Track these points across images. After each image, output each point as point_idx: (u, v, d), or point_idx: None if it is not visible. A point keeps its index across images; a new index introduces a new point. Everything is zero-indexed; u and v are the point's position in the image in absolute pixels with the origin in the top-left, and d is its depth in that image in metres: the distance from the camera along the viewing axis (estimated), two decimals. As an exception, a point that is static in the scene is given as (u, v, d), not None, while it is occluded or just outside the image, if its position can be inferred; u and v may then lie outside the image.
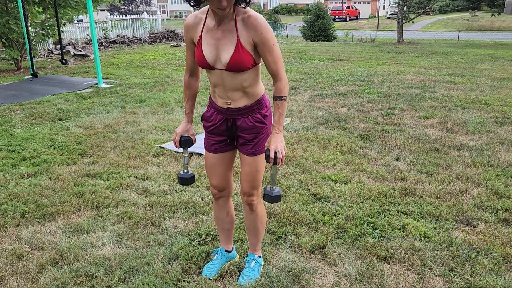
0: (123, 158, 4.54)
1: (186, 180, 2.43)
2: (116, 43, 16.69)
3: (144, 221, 3.19)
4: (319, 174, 4.02)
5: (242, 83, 2.11)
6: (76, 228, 3.11)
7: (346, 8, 51.57)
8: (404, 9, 22.51)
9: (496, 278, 2.45)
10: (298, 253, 2.76)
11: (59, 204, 3.47)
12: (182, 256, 2.71)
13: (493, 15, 29.12)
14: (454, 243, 2.79)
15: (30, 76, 9.66)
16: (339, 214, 3.24)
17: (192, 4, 2.03)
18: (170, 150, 4.76)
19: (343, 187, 3.71)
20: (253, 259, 2.58)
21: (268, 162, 2.16)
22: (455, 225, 3.06)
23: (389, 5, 55.53)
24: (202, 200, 3.53)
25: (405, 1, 22.36)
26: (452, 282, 2.44)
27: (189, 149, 4.72)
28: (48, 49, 14.65)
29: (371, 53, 15.28)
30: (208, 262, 2.65)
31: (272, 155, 2.12)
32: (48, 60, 13.16)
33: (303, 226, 3.07)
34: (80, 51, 14.19)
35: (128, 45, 16.79)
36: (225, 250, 2.66)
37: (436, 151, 4.65)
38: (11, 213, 3.33)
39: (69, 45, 14.74)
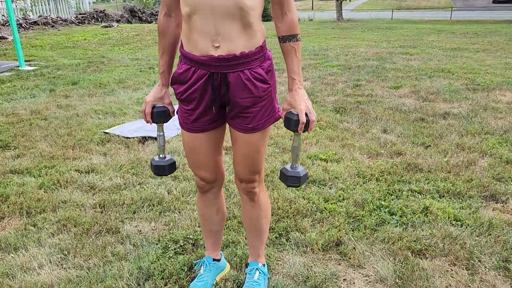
0: (58, 149, 3.63)
1: (164, 169, 1.69)
2: (38, 25, 14.91)
3: (96, 227, 2.39)
4: (303, 153, 3.40)
5: (243, 2, 1.39)
6: (-2, 245, 2.25)
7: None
8: (342, -13, 22.44)
9: None
10: (309, 254, 2.13)
11: (-27, 213, 2.56)
12: (157, 273, 1.97)
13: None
14: (494, 226, 2.29)
15: None
16: (344, 199, 2.64)
17: None
18: (118, 135, 3.91)
19: (337, 167, 3.11)
20: (257, 269, 1.90)
21: (294, 131, 1.50)
22: (482, 202, 2.58)
23: (321, -14, 55.94)
24: (169, 193, 2.78)
25: (342, -22, 22.27)
26: (512, 276, 1.93)
27: (139, 133, 3.90)
28: (-45, 31, 12.68)
29: (316, 29, 14.93)
30: (193, 278, 1.94)
31: (303, 119, 1.46)
32: (-44, 43, 11.35)
33: (305, 217, 2.44)
34: (-5, 33, 12.42)
35: (53, 26, 15.08)
36: (213, 259, 1.96)
37: (421, 120, 4.21)
38: None
39: (-19, 26, 12.88)
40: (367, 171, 3.01)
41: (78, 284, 1.92)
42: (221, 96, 1.54)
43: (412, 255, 2.07)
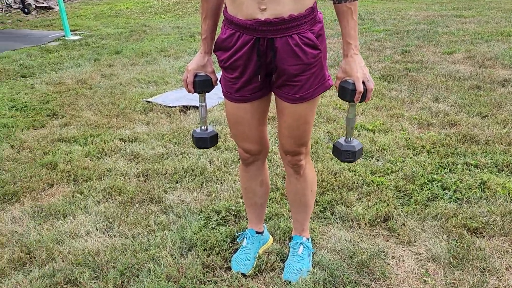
0: (103, 117, 3.68)
1: (205, 141, 1.63)
2: (83, -6, 15.12)
3: (140, 196, 2.41)
4: (349, 123, 3.26)
5: None
6: (48, 211, 2.31)
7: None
8: None
9: None
10: (356, 229, 2.04)
11: (24, 180, 2.65)
12: (199, 244, 1.96)
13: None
14: (560, 203, 2.11)
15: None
16: (392, 172, 2.51)
17: None
18: (160, 104, 3.91)
19: (385, 138, 2.96)
20: (301, 243, 1.85)
21: (350, 101, 1.39)
22: (547, 178, 2.38)
23: None
24: (211, 163, 2.75)
25: None
26: None
27: (181, 102, 3.88)
28: (6, 3, 13.10)
29: (361, -8, 14.22)
30: (236, 250, 1.91)
31: (360, 88, 1.35)
32: (7, 14, 11.75)
33: (351, 191, 2.34)
34: (43, 3, 12.72)
35: (96, -5, 15.24)
36: (256, 232, 1.92)
37: (478, 88, 3.92)
38: (-41, 196, 2.50)
39: (30, -3, 13.19)
40: (417, 143, 2.85)
41: (123, 252, 1.95)
42: (268, 63, 1.45)
43: (467, 233, 1.94)
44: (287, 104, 1.51)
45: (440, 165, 2.55)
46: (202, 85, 1.56)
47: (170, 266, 1.85)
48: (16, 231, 2.16)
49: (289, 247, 1.87)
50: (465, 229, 1.96)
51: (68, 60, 6.02)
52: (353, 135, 1.51)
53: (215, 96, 4.09)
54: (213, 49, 1.54)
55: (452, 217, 2.05)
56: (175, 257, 1.90)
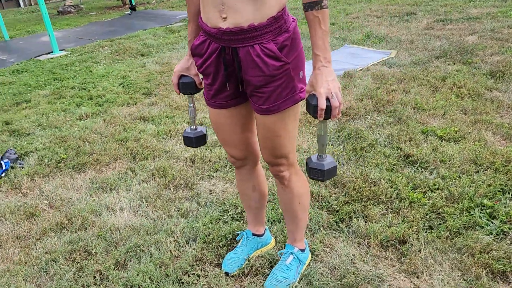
0: (185, 99, 3.95)
1: (191, 141, 1.68)
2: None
3: (177, 180, 2.57)
4: (419, 126, 2.94)
5: None
6: (100, 184, 2.62)
7: None
8: None
9: None
10: (363, 248, 1.89)
11: (98, 153, 3.03)
12: (201, 236, 2.03)
13: None
14: None
15: (129, 11, 9.57)
16: (438, 189, 2.22)
17: None
18: (239, 90, 4.02)
19: (452, 147, 2.60)
20: (291, 253, 1.79)
21: (315, 117, 1.30)
22: None
23: None
24: (255, 156, 2.77)
25: None
26: None
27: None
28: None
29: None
30: (232, 249, 1.94)
31: (322, 105, 1.25)
32: (154, -5, 13.11)
33: (379, 204, 2.15)
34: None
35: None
36: (253, 234, 1.91)
37: None
38: (46, 160, 2.99)
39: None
40: (487, 158, 2.44)
41: (137, 231, 2.13)
42: (235, 73, 1.42)
43: (488, 275, 1.64)
44: (257, 114, 1.46)
45: (501, 189, 2.16)
46: (185, 87, 1.59)
47: (171, 252, 1.97)
48: (71, 198, 2.52)
49: (280, 255, 1.82)
50: (487, 269, 1.66)
51: (184, 41, 6.52)
52: (325, 152, 1.39)
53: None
54: (191, 53, 1.55)
55: (480, 252, 1.75)
56: (180, 245, 2.01)
